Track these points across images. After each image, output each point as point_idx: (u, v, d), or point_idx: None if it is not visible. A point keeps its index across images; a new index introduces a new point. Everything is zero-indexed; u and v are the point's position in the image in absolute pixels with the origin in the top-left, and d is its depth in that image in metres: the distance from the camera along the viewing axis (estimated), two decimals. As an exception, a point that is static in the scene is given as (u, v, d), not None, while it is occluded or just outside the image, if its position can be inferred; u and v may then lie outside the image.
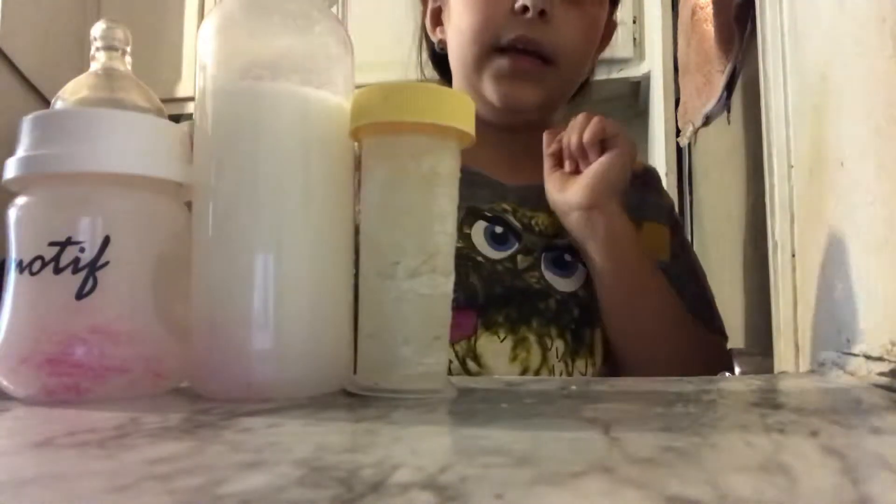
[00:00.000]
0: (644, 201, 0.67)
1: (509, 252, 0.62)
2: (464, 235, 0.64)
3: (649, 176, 0.71)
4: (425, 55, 0.80)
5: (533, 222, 0.64)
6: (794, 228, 0.45)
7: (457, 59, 0.67)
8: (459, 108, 0.31)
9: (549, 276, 0.61)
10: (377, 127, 0.31)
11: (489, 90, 0.63)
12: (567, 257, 0.62)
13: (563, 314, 0.59)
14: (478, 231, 0.64)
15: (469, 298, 0.60)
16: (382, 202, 0.31)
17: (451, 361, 0.60)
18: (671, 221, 0.69)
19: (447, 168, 0.32)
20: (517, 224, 0.64)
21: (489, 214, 0.64)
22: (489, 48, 0.62)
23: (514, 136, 0.69)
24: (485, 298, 0.59)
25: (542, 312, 0.59)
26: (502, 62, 0.61)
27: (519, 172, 0.67)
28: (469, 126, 0.32)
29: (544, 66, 0.62)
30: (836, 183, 0.38)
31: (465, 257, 0.62)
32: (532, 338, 0.58)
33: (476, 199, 0.66)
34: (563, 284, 0.60)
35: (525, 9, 0.60)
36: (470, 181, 0.67)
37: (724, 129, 0.97)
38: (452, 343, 0.60)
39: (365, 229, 0.32)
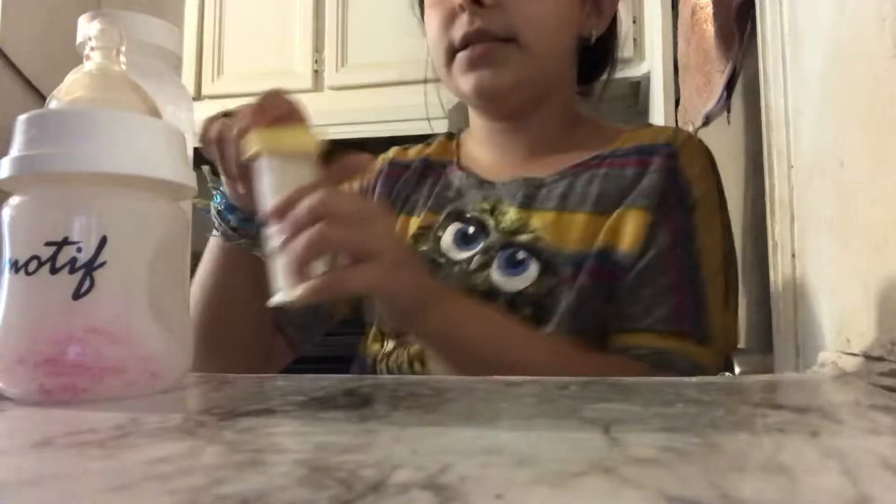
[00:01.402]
0: (635, 183, 0.60)
1: (470, 253, 0.62)
2: (434, 238, 0.64)
3: (663, 153, 0.62)
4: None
5: (502, 219, 0.63)
6: (794, 228, 0.45)
7: (436, 69, 0.68)
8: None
9: (498, 276, 0.59)
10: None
11: (462, 86, 0.63)
12: (520, 255, 0.60)
13: (513, 314, 0.57)
14: (449, 233, 0.64)
15: None
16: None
17: (401, 365, 0.60)
18: (661, 207, 0.59)
19: None
20: (491, 223, 0.63)
21: (469, 216, 0.65)
22: (449, 51, 0.62)
23: (513, 133, 0.68)
24: None
25: None
26: (461, 56, 0.61)
27: (511, 168, 0.67)
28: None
29: (504, 45, 0.61)
30: (836, 183, 0.38)
31: (429, 260, 0.63)
32: None
33: (464, 201, 0.66)
34: (511, 284, 0.58)
35: (462, 6, 0.60)
36: (461, 185, 0.68)
37: (724, 129, 0.97)
38: (407, 346, 0.61)
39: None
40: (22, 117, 0.30)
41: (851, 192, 0.36)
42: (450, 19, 0.61)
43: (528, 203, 0.63)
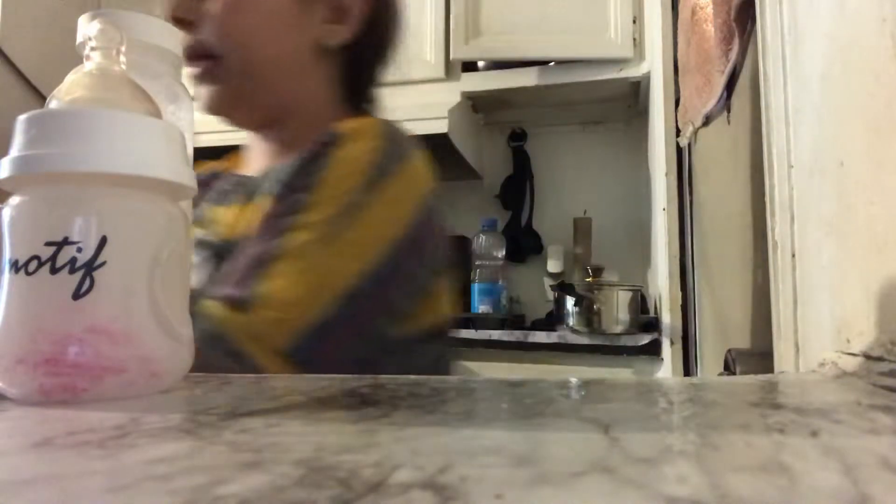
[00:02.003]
0: (280, 175, 0.60)
1: (198, 258, 0.64)
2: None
3: (322, 140, 0.59)
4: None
5: (211, 221, 0.66)
6: (794, 228, 0.45)
7: None
8: None
9: (194, 277, 0.61)
10: None
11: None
12: (205, 253, 0.62)
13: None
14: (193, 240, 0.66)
15: None
16: None
17: None
18: (283, 189, 0.58)
19: None
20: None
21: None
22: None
23: (262, 142, 0.70)
24: None
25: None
26: (187, 72, 0.63)
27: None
28: None
29: (214, 64, 0.62)
30: (836, 183, 0.38)
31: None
32: None
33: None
34: (197, 282, 0.60)
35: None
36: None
37: (724, 129, 0.97)
38: None
39: None
40: (22, 117, 0.30)
41: (851, 192, 0.36)
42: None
43: (220, 201, 0.67)
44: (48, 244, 0.29)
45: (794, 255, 0.45)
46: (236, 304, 0.49)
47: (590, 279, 1.63)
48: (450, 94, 1.86)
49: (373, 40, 0.70)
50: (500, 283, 1.91)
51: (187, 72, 0.63)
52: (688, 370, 1.35)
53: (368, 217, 0.54)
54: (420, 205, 0.58)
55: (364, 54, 0.70)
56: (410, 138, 0.61)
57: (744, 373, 0.65)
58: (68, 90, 0.32)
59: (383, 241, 0.55)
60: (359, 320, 0.53)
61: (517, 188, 2.14)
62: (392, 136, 0.60)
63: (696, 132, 1.16)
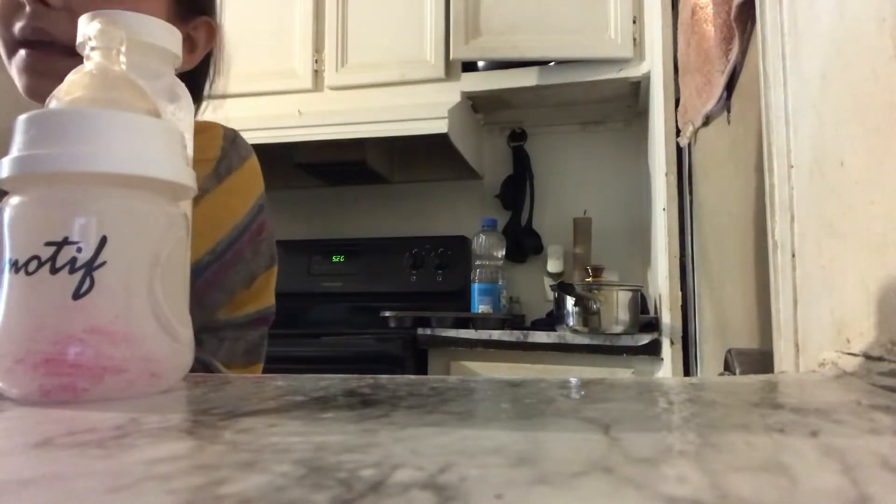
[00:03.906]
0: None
1: None
2: None
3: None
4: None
5: None
6: (794, 228, 0.45)
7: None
8: None
9: None
10: None
11: (18, 83, 0.61)
12: None
13: None
14: None
15: None
16: None
17: None
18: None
19: None
20: None
21: None
22: (10, 43, 0.60)
23: None
24: None
25: None
26: (21, 55, 0.59)
27: None
28: None
29: (65, 58, 0.54)
30: (836, 183, 0.38)
31: None
32: None
33: None
34: None
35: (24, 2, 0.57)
36: None
37: (724, 129, 0.97)
38: None
39: None
40: (22, 117, 0.30)
41: (851, 192, 0.36)
42: (12, 10, 0.59)
43: None
44: (48, 244, 0.29)
45: (794, 255, 0.45)
46: None
47: (590, 279, 1.63)
48: (450, 94, 1.86)
49: (201, 71, 0.76)
50: (500, 283, 1.91)
51: (22, 57, 0.58)
52: (688, 370, 1.35)
53: (214, 201, 0.62)
54: (256, 199, 0.67)
55: (191, 81, 0.75)
56: (247, 143, 0.70)
57: (744, 373, 0.65)
58: (68, 90, 0.32)
59: (227, 225, 0.63)
60: (200, 292, 0.59)
61: (517, 188, 2.14)
62: (233, 136, 0.68)
63: (696, 132, 1.16)
